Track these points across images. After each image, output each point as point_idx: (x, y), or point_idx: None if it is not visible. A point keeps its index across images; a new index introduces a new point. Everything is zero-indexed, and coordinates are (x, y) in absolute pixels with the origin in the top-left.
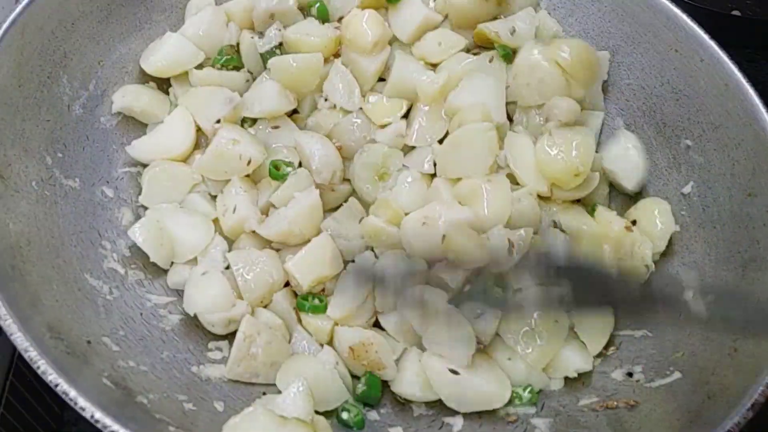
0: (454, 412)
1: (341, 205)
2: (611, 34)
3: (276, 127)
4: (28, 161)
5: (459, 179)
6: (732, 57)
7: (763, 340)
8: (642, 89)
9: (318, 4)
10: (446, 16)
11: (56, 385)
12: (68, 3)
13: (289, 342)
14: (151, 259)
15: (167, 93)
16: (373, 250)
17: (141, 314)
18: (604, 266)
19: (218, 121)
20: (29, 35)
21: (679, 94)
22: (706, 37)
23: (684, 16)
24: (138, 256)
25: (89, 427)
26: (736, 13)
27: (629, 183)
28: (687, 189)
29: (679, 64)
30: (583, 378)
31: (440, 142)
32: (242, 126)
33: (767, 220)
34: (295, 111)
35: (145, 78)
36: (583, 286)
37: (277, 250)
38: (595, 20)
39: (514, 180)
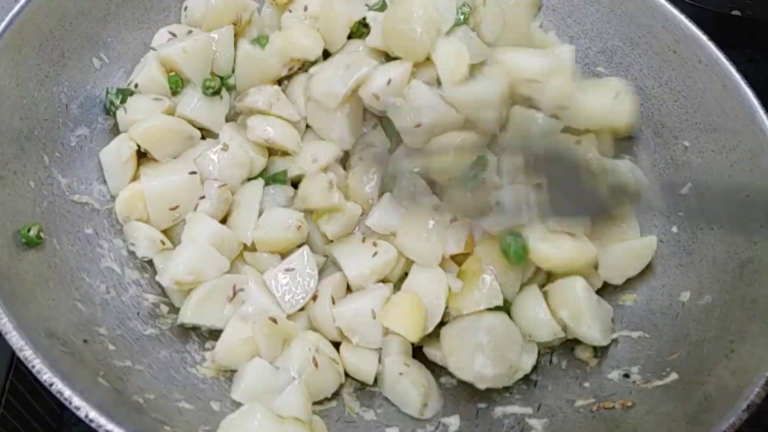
0: (450, 413)
1: None
2: (609, 35)
3: None
4: (26, 160)
5: None
6: (731, 57)
7: (760, 341)
8: (640, 90)
9: None
10: None
11: (51, 384)
12: (66, 2)
13: None
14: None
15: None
16: None
17: (138, 313)
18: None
19: None
20: (27, 34)
21: (677, 95)
22: (704, 38)
23: (682, 17)
24: (135, 255)
25: (90, 428)
26: (736, 13)
27: None
28: (685, 190)
29: (677, 65)
30: (580, 378)
31: None
32: None
33: (765, 221)
34: None
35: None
36: (561, 185)
37: None
38: (593, 21)
39: None
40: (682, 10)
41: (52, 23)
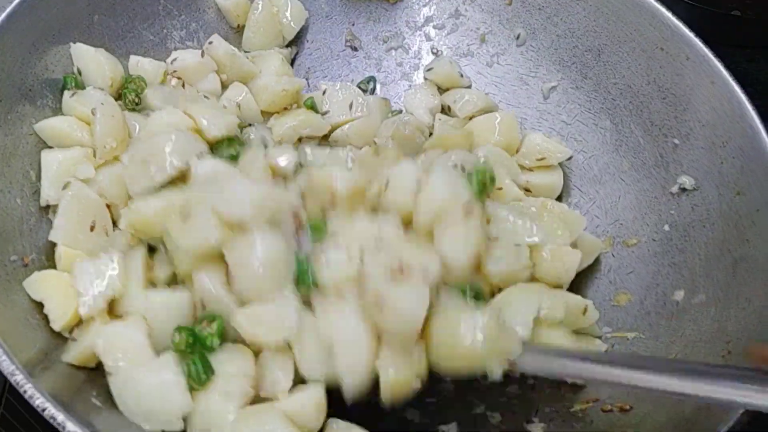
0: (448, 419)
1: None
2: (597, 33)
3: None
4: (12, 177)
5: None
6: (731, 57)
7: (756, 342)
8: (628, 88)
9: None
10: None
11: (44, 410)
12: (48, 15)
13: None
14: None
15: None
16: None
17: None
18: None
19: None
20: (9, 49)
21: (665, 92)
22: (691, 35)
23: (669, 14)
24: None
25: None
26: (736, 13)
27: None
28: (675, 189)
29: (665, 62)
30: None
31: None
32: None
33: (756, 218)
34: None
35: None
36: None
37: None
38: (580, 19)
39: None
40: (681, 10)
41: (35, 36)
